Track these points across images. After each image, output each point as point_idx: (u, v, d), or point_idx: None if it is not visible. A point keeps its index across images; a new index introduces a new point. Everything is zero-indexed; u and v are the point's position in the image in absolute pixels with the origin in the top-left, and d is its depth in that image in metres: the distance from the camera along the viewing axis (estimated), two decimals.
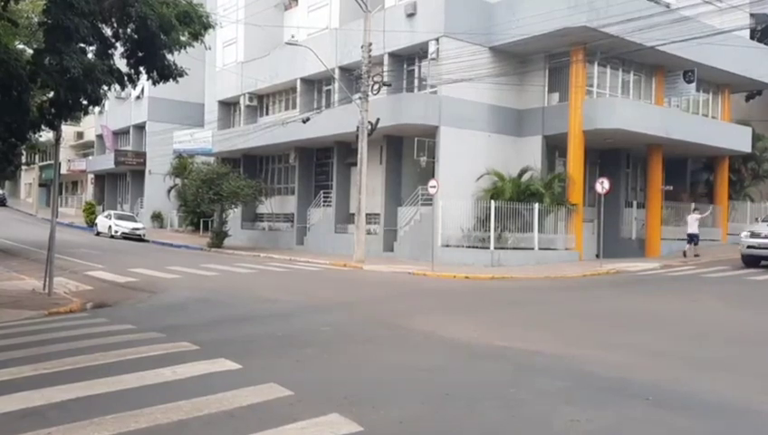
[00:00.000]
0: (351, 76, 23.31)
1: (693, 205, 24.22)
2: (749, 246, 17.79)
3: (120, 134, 45.50)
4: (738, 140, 25.73)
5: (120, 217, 34.49)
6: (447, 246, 20.47)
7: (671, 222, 24.97)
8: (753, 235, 17.77)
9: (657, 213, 23.98)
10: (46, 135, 19.43)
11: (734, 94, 28.05)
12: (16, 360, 6.80)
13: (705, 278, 16.33)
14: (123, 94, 31.99)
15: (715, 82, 25.85)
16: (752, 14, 24.86)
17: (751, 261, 17.92)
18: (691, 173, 28.45)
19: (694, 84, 23.33)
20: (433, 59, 21.36)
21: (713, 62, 23.05)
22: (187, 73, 11.45)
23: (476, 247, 20.07)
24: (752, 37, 27.08)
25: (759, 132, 27.85)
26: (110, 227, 33.16)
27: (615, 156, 24.35)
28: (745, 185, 29.38)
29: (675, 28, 19.29)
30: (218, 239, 27.92)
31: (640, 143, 23.40)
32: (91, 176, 49.75)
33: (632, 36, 19.38)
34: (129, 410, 4.89)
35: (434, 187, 18.71)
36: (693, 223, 21.12)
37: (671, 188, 24.88)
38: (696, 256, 20.77)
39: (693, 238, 21.02)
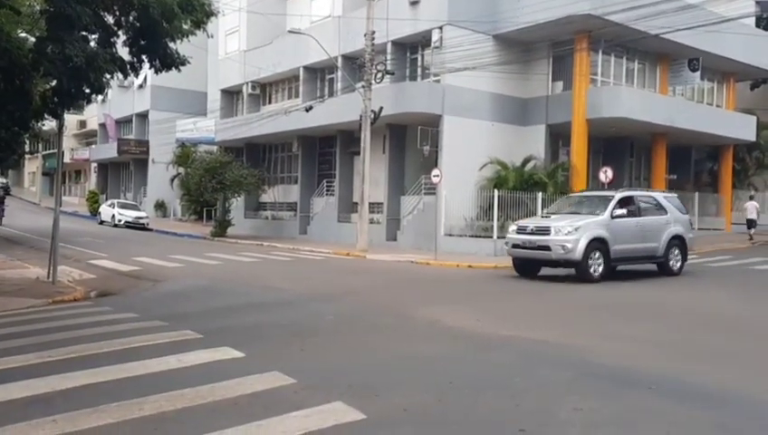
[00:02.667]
0: (354, 65, 23.21)
1: (750, 193, 25.79)
2: (514, 245, 13.88)
3: (123, 123, 45.46)
4: (743, 128, 25.61)
5: (124, 206, 34.54)
6: (450, 235, 20.46)
7: None
8: (520, 229, 13.88)
9: None
10: (49, 124, 19.42)
11: (739, 83, 27.88)
12: (21, 348, 6.83)
13: (709, 268, 16.30)
14: (126, 83, 31.98)
15: (720, 71, 25.69)
16: (757, 2, 24.71)
17: (522, 266, 14.18)
18: (695, 162, 28.37)
19: (698, 73, 23.20)
20: (436, 47, 21.25)
21: (718, 51, 22.90)
22: (189, 62, 11.41)
23: (479, 237, 20.06)
24: (757, 25, 26.89)
25: (764, 121, 27.71)
26: (113, 215, 33.22)
27: (619, 145, 24.28)
28: (750, 174, 29.31)
29: (680, 16, 19.15)
30: (221, 228, 27.95)
31: (644, 132, 23.32)
32: (94, 165, 49.78)
33: (637, 24, 19.25)
34: (133, 398, 4.91)
35: (437, 176, 18.67)
36: (752, 210, 23.35)
37: (675, 177, 24.82)
38: (750, 238, 22.73)
39: (752, 223, 23.19)
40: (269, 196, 30.49)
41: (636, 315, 9.62)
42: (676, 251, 14.37)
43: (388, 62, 21.92)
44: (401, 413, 4.75)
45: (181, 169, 34.96)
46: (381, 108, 20.58)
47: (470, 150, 21.15)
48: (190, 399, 4.95)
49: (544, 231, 13.37)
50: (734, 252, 19.77)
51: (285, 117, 25.79)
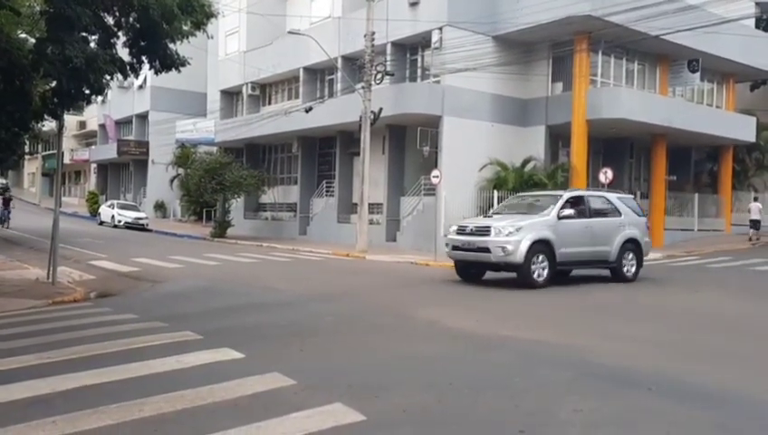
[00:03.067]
0: (354, 65, 23.23)
1: (754, 195, 25.91)
2: (454, 247, 12.98)
3: (123, 124, 45.47)
4: (742, 129, 25.61)
5: (123, 207, 34.55)
6: None
7: (675, 212, 24.93)
8: (460, 230, 12.93)
9: (660, 203, 23.93)
10: (49, 125, 19.41)
11: (739, 84, 27.89)
12: (21, 349, 6.83)
13: (709, 268, 16.31)
14: (126, 84, 31.94)
15: (720, 72, 25.70)
16: (757, 3, 24.73)
17: (464, 269, 13.29)
18: (695, 163, 28.38)
19: (698, 74, 23.21)
20: (436, 48, 21.26)
21: (718, 52, 22.91)
22: (189, 63, 11.41)
23: None
24: (757, 26, 26.90)
25: (763, 122, 27.70)
26: (113, 216, 33.23)
27: (618, 146, 24.28)
28: (749, 175, 29.30)
29: (680, 17, 19.16)
30: (221, 229, 27.94)
31: (644, 133, 23.33)
32: (93, 165, 49.78)
33: (637, 25, 19.26)
34: (133, 399, 4.91)
35: (437, 177, 18.68)
36: (756, 211, 23.59)
37: (675, 178, 24.82)
38: (757, 239, 22.98)
39: (755, 224, 23.39)
40: (269, 196, 30.48)
41: (635, 314, 9.61)
42: (631, 256, 13.41)
43: (388, 62, 21.93)
44: (401, 414, 4.74)
45: (181, 170, 34.97)
46: (381, 109, 20.60)
47: (470, 151, 21.15)
48: (190, 400, 4.95)
49: (484, 232, 12.34)
50: (734, 253, 19.79)
51: (285, 118, 25.80)
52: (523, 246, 11.84)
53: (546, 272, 12.10)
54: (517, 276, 12.21)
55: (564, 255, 12.40)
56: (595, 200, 13.59)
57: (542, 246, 12.08)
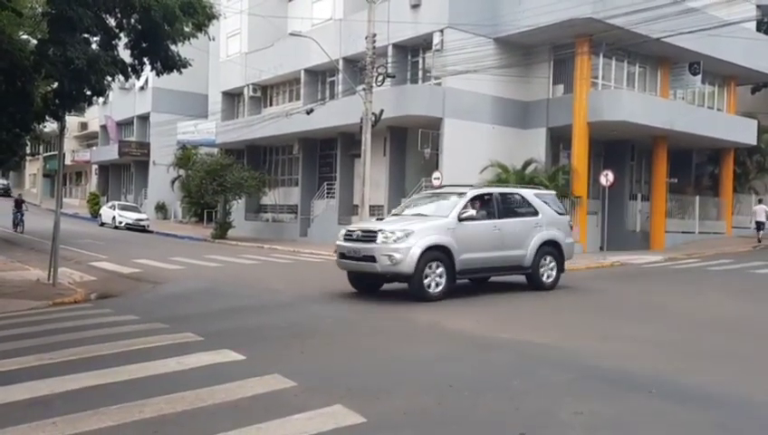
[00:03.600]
0: (355, 67, 23.23)
1: (759, 197, 26.21)
2: (341, 254, 11.24)
3: (124, 125, 45.52)
4: (743, 132, 25.61)
5: (124, 208, 34.57)
6: None
7: (676, 215, 24.92)
8: (347, 235, 11.27)
9: (661, 205, 23.93)
10: (50, 126, 19.43)
11: (740, 87, 27.89)
12: (22, 350, 6.83)
13: (710, 271, 16.29)
14: (127, 85, 31.99)
15: (721, 75, 25.70)
16: (758, 6, 24.72)
17: (357, 280, 11.51)
18: (696, 166, 28.37)
19: (699, 76, 23.23)
20: (437, 50, 21.28)
21: (719, 54, 22.92)
22: (191, 64, 11.42)
23: None
24: (758, 29, 26.90)
25: (765, 125, 27.71)
26: (113, 217, 33.24)
27: (619, 148, 24.27)
28: (750, 178, 29.28)
29: (681, 20, 19.16)
30: (222, 230, 27.95)
31: (645, 135, 23.32)
32: (95, 167, 49.83)
33: (638, 28, 19.26)
34: (133, 401, 4.91)
35: (437, 178, 18.69)
36: (761, 213, 23.95)
37: (676, 180, 24.81)
38: (760, 241, 23.30)
39: (760, 226, 23.76)
40: (270, 198, 30.49)
41: (635, 316, 9.60)
42: (550, 260, 12.02)
43: (389, 64, 21.93)
44: (401, 416, 4.74)
45: (182, 172, 34.99)
46: (382, 110, 20.59)
47: (471, 153, 21.15)
48: (190, 401, 4.95)
49: (370, 238, 10.65)
50: (735, 256, 19.77)
51: (286, 119, 25.81)
52: (414, 254, 10.19)
53: (443, 282, 10.51)
54: (408, 288, 10.61)
55: (467, 262, 10.86)
56: (507, 198, 12.04)
57: (437, 253, 10.48)
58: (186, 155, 35.11)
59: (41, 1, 11.78)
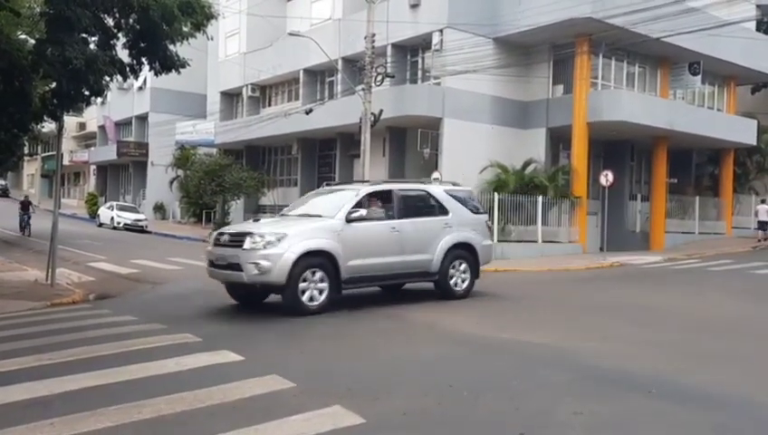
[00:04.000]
0: (355, 67, 23.20)
1: (762, 197, 26.20)
2: (210, 262, 9.87)
3: (123, 125, 45.47)
4: (743, 132, 25.60)
5: (123, 209, 34.52)
6: None
7: (676, 215, 24.91)
8: (217, 239, 9.90)
9: (661, 206, 23.92)
10: (48, 126, 19.39)
11: (740, 87, 27.88)
12: (20, 350, 6.81)
13: (710, 271, 16.28)
14: (125, 85, 31.92)
15: (721, 75, 25.69)
16: (758, 6, 24.73)
17: (234, 289, 10.04)
18: (696, 166, 28.36)
19: (699, 76, 23.21)
20: (436, 50, 21.25)
21: (719, 54, 22.91)
22: (189, 64, 11.40)
23: None
24: (758, 29, 26.90)
25: (764, 125, 27.71)
26: (112, 218, 33.20)
27: (619, 148, 24.26)
28: (750, 178, 29.29)
29: (681, 19, 19.14)
30: None
31: (645, 135, 23.30)
32: (93, 167, 49.77)
33: (638, 27, 19.24)
34: (132, 402, 4.90)
35: (437, 178, 18.65)
36: (763, 212, 24.07)
37: (676, 180, 24.81)
38: (766, 240, 23.53)
39: (763, 226, 23.89)
40: (269, 198, 30.44)
41: (635, 317, 9.58)
42: (462, 265, 10.72)
43: (389, 64, 21.90)
44: (400, 417, 4.72)
45: (180, 172, 34.95)
46: (381, 111, 20.55)
47: (470, 153, 21.13)
48: (189, 402, 4.93)
49: (237, 242, 9.20)
50: (735, 256, 19.76)
51: (285, 119, 25.78)
52: (286, 261, 8.80)
53: (325, 293, 9.14)
54: (282, 301, 9.27)
55: (357, 269, 9.51)
56: (409, 196, 10.69)
57: (318, 260, 9.11)
58: (184, 155, 35.06)
59: (39, 1, 11.75)
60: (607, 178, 19.04)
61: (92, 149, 49.77)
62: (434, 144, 21.54)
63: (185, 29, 10.91)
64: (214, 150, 32.41)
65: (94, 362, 6.26)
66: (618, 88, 22.41)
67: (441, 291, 10.67)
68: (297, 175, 28.85)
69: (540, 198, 20.24)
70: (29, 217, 26.34)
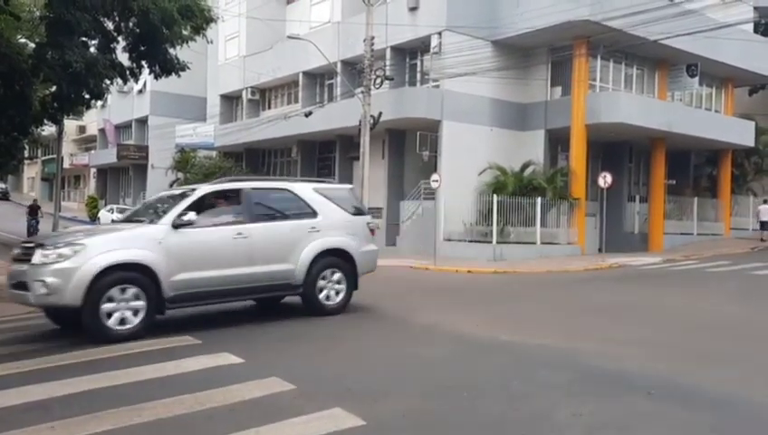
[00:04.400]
0: (354, 70, 23.26)
1: (764, 198, 26.57)
2: (8, 279, 8.04)
3: (123, 128, 45.49)
4: (741, 134, 25.64)
5: (123, 212, 34.50)
6: (450, 240, 20.46)
7: (674, 216, 24.94)
8: (15, 254, 8.07)
9: (659, 207, 23.94)
10: (49, 129, 19.43)
11: (738, 88, 27.92)
12: (18, 354, 6.82)
13: (708, 272, 16.29)
14: (125, 88, 32.04)
15: (719, 76, 25.74)
16: (755, 8, 24.79)
17: (55, 311, 8.23)
18: (694, 167, 28.39)
19: (697, 78, 23.24)
20: (435, 53, 21.29)
21: (716, 56, 22.95)
22: (189, 67, 11.45)
23: (479, 242, 20.06)
24: (755, 31, 26.95)
25: (762, 126, 27.75)
26: (112, 220, 33.21)
27: (618, 150, 24.29)
28: (748, 179, 29.31)
29: (678, 22, 19.20)
30: None
31: (643, 137, 23.34)
32: (93, 170, 49.77)
33: (635, 30, 19.29)
34: (131, 405, 4.90)
35: (436, 181, 18.68)
36: (765, 212, 24.84)
37: (674, 182, 24.84)
38: (763, 240, 24.11)
39: (765, 225, 24.55)
40: None
41: (634, 318, 9.60)
42: (335, 274, 9.24)
43: (388, 67, 21.95)
44: (400, 419, 4.74)
45: (180, 175, 34.95)
46: (381, 113, 20.61)
47: (469, 155, 21.17)
48: (189, 405, 4.94)
49: (28, 255, 7.58)
50: (734, 257, 19.78)
51: (285, 122, 25.82)
52: (82, 278, 7.18)
53: (140, 315, 7.51)
54: (83, 325, 7.42)
55: (186, 283, 7.94)
56: (263, 196, 9.10)
57: (130, 274, 7.49)
58: (184, 158, 35.05)
59: (39, 5, 11.79)
60: (605, 179, 19.06)
61: (93, 152, 49.79)
62: (433, 146, 21.57)
63: (184, 32, 10.98)
64: (214, 153, 32.45)
65: (93, 365, 6.27)
66: (616, 90, 22.45)
67: (308, 306, 9.11)
68: (297, 177, 28.86)
69: (539, 200, 20.27)
70: (37, 223, 25.87)
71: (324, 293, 9.21)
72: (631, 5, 18.32)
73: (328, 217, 9.33)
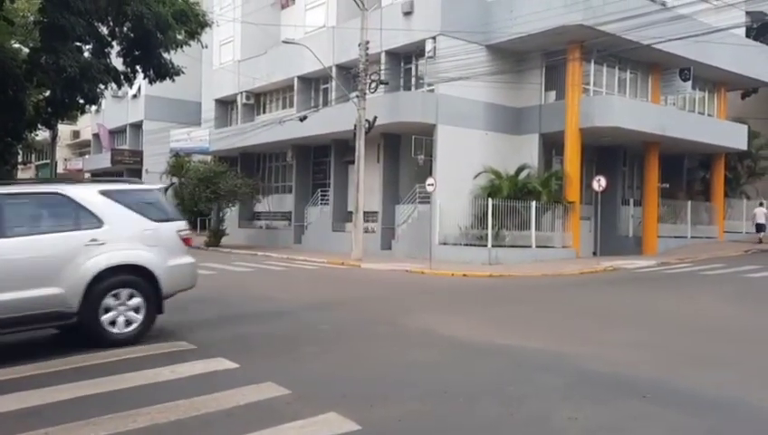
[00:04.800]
0: (349, 74, 23.27)
1: (760, 200, 26.93)
2: None
3: (117, 133, 45.39)
4: (734, 137, 25.79)
5: None
6: (445, 243, 20.48)
7: (668, 220, 25.04)
8: None
9: (653, 210, 24.04)
10: (43, 134, 19.37)
11: (730, 92, 28.09)
12: (12, 360, 6.78)
13: (702, 275, 16.36)
14: (120, 93, 31.87)
15: (712, 80, 25.89)
16: (747, 12, 24.94)
17: None
18: (687, 171, 28.52)
19: (690, 82, 23.36)
20: (430, 57, 21.34)
21: (709, 60, 23.09)
22: (183, 72, 11.44)
23: (474, 245, 20.08)
24: (747, 35, 27.12)
25: (755, 130, 27.93)
26: None
27: (612, 153, 24.39)
28: (741, 182, 29.47)
29: (671, 26, 19.30)
30: (216, 238, 27.87)
31: (637, 141, 23.44)
32: (87, 175, 49.56)
33: (628, 34, 19.39)
34: (126, 410, 4.88)
35: (431, 185, 18.71)
36: (761, 215, 25.25)
37: (668, 185, 24.95)
38: (761, 241, 24.53)
39: (761, 227, 25.03)
40: (263, 205, 30.43)
41: (629, 321, 9.62)
42: (132, 298, 7.44)
43: (383, 71, 21.98)
44: (396, 423, 4.73)
45: (175, 179, 34.86)
46: (376, 117, 20.64)
47: (464, 159, 21.22)
48: (184, 410, 4.92)
49: None
50: (728, 260, 19.86)
51: (280, 126, 25.81)
52: None
53: None
54: None
55: None
56: (23, 204, 7.28)
57: None
58: (179, 163, 34.95)
59: (33, 9, 11.78)
60: (599, 183, 19.13)
61: (87, 157, 49.65)
62: (428, 150, 21.61)
63: (179, 37, 10.97)
64: (208, 158, 32.40)
65: (88, 370, 6.24)
66: (609, 94, 22.55)
67: (88, 336, 7.23)
68: (292, 182, 28.86)
69: (533, 204, 20.32)
70: None
71: (115, 319, 7.32)
72: (624, 10, 18.42)
73: (118, 225, 7.49)
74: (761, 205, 26.05)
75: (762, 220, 25.27)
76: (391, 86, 22.38)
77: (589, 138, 21.70)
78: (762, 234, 24.86)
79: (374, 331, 8.69)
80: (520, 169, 21.49)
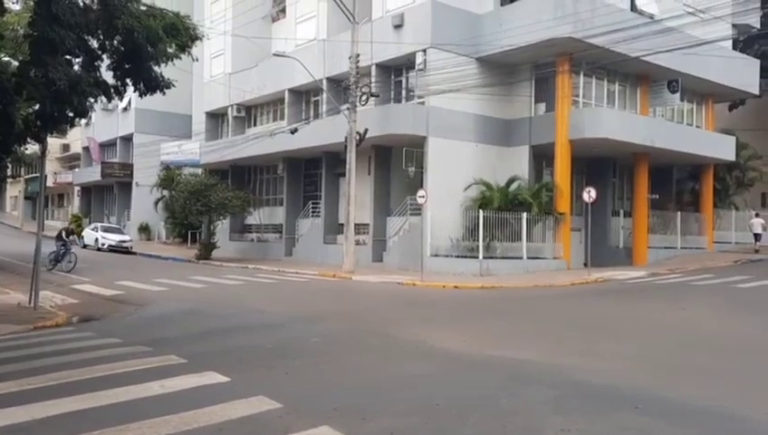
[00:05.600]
0: (339, 87, 23.35)
1: (756, 212, 27.64)
2: None
3: (107, 146, 45.24)
4: (722, 148, 26.04)
5: (107, 230, 34.23)
6: (436, 255, 20.48)
7: (658, 230, 25.18)
8: None
9: (643, 221, 24.17)
10: (32, 148, 19.23)
11: (718, 104, 28.40)
12: (2, 375, 6.70)
13: (693, 286, 16.43)
14: (110, 106, 31.93)
15: (699, 92, 26.17)
16: (734, 25, 25.27)
17: None
18: (677, 182, 28.73)
19: (678, 94, 23.59)
20: (420, 70, 21.46)
21: (696, 72, 23.35)
22: (174, 85, 11.39)
23: (465, 257, 20.10)
24: (734, 47, 27.48)
25: (743, 141, 28.21)
26: (96, 239, 32.89)
27: (602, 165, 24.54)
28: (730, 193, 29.69)
29: (659, 39, 19.53)
30: (206, 251, 27.74)
31: (626, 152, 23.61)
32: (77, 188, 49.36)
33: (617, 47, 19.59)
34: (116, 426, 4.83)
35: (422, 197, 18.75)
36: (757, 225, 25.70)
37: (657, 196, 25.10)
38: (757, 250, 24.67)
39: (757, 237, 25.47)
40: (254, 218, 30.35)
41: (620, 332, 9.64)
42: None
43: (373, 84, 22.07)
44: None
45: (165, 192, 34.76)
46: (366, 130, 20.70)
47: (455, 171, 21.28)
48: (174, 425, 4.88)
49: None
50: (717, 270, 19.97)
51: (271, 139, 25.81)
52: None
53: None
54: None
55: None
56: None
57: None
58: (169, 175, 34.89)
59: (23, 23, 11.75)
60: (590, 194, 19.23)
61: (76, 170, 49.42)
62: (419, 162, 21.67)
63: (169, 50, 10.92)
64: (199, 170, 32.32)
65: (77, 385, 6.17)
66: (599, 106, 22.73)
67: None
68: (283, 194, 28.81)
69: (524, 215, 20.38)
70: (66, 250, 21.51)
71: None
72: (613, 23, 18.62)
73: None
74: (757, 215, 26.39)
75: (758, 230, 25.51)
76: (382, 99, 22.47)
77: (579, 149, 21.84)
78: (758, 244, 25.11)
79: (366, 343, 8.66)
80: (510, 181, 21.58)
